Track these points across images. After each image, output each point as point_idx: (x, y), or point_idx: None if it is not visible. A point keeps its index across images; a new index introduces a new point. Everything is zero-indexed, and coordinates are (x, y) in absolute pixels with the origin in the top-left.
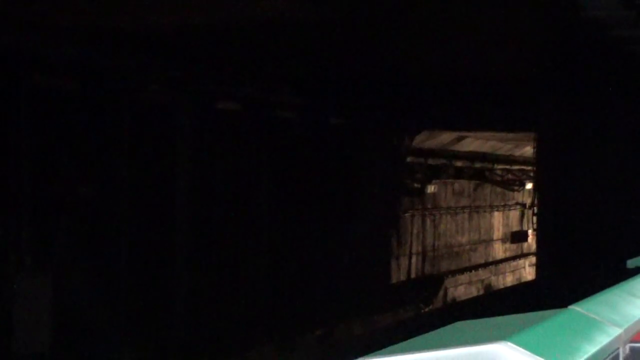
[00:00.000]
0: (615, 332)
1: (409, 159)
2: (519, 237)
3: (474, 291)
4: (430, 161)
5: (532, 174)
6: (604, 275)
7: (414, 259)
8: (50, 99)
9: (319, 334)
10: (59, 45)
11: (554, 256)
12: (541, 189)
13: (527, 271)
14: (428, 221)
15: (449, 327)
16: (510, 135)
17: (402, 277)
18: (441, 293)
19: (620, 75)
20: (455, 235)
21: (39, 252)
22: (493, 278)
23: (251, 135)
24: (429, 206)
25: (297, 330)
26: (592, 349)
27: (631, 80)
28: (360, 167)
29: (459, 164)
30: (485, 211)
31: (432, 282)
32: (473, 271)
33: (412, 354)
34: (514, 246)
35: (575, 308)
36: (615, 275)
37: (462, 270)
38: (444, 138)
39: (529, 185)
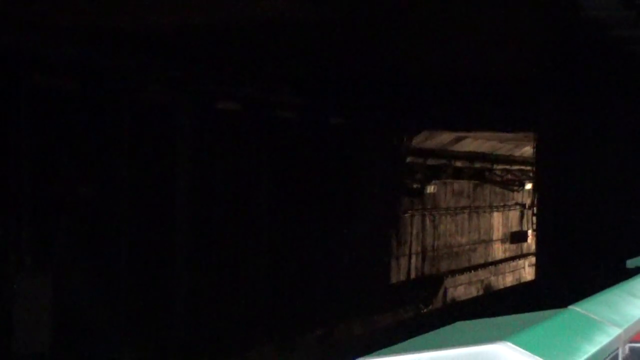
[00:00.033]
0: (615, 332)
1: (408, 159)
2: (518, 237)
3: (473, 291)
4: (430, 161)
5: (532, 174)
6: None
7: (413, 259)
8: (50, 99)
9: (319, 334)
10: (59, 45)
11: (554, 256)
12: (541, 189)
13: (527, 271)
14: (428, 221)
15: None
16: (510, 135)
17: (402, 277)
18: (441, 293)
19: (620, 75)
20: (455, 236)
21: (39, 252)
22: (493, 278)
23: (251, 135)
24: (429, 206)
25: (297, 330)
26: (591, 349)
27: (631, 80)
28: (360, 167)
29: (458, 164)
30: (485, 211)
31: (431, 282)
32: (473, 271)
33: (412, 354)
34: (513, 246)
35: (575, 308)
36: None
37: (461, 271)
38: (444, 138)
39: (529, 186)
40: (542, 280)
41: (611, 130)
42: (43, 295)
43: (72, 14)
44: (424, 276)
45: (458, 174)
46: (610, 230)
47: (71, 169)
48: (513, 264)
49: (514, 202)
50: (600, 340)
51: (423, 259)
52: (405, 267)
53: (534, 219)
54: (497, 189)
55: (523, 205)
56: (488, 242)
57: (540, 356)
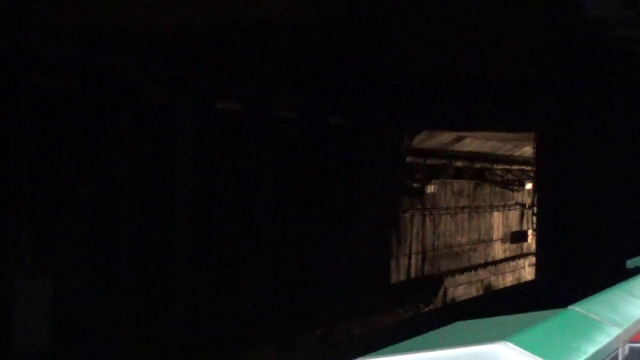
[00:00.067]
0: (615, 332)
1: (408, 159)
2: (518, 237)
3: (473, 291)
4: (430, 161)
5: (532, 174)
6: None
7: (413, 259)
8: (50, 99)
9: (319, 334)
10: (59, 45)
11: (554, 256)
12: (541, 189)
13: (527, 271)
14: (428, 221)
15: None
16: (510, 135)
17: (402, 277)
18: (441, 293)
19: (620, 75)
20: (455, 235)
21: (39, 252)
22: (493, 278)
23: (251, 135)
24: (429, 206)
25: (297, 330)
26: (591, 349)
27: (631, 80)
28: (360, 167)
29: (458, 164)
30: (485, 211)
31: (431, 282)
32: (473, 271)
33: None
34: (513, 246)
35: (575, 308)
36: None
37: (461, 270)
38: (444, 138)
39: (529, 185)
40: (542, 280)
41: (611, 130)
42: (43, 295)
43: (72, 14)
44: (424, 276)
45: (458, 174)
46: (610, 230)
47: (71, 169)
48: (513, 263)
49: (514, 202)
50: (600, 340)
51: (423, 259)
52: (405, 267)
53: (534, 218)
54: (497, 189)
55: (523, 205)
56: (488, 241)
57: (540, 356)
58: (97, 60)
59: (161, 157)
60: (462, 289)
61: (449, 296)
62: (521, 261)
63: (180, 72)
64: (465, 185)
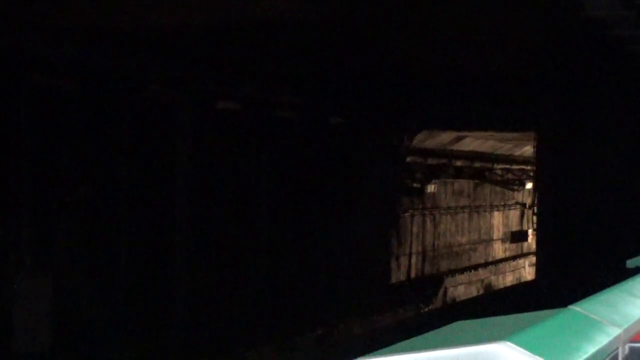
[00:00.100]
0: (615, 332)
1: (408, 159)
2: (518, 236)
3: (473, 291)
4: (430, 161)
5: (532, 174)
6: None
7: (413, 259)
8: (50, 99)
9: (319, 334)
10: (59, 45)
11: (554, 256)
12: (541, 189)
13: (527, 271)
14: (428, 221)
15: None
16: (510, 135)
17: (402, 277)
18: (441, 293)
19: (620, 75)
20: (455, 235)
21: (39, 252)
22: (493, 278)
23: (251, 135)
24: (429, 206)
25: (297, 330)
26: (591, 348)
27: (631, 80)
28: (360, 167)
29: (458, 163)
30: (485, 211)
31: (431, 282)
32: (473, 271)
33: (412, 353)
34: (513, 246)
35: (575, 308)
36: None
37: (461, 270)
38: (444, 138)
39: (529, 185)
40: (542, 280)
41: (611, 130)
42: (43, 295)
43: (72, 14)
44: (424, 276)
45: (458, 174)
46: (610, 230)
47: (71, 169)
48: (513, 263)
49: (514, 201)
50: (600, 340)
51: (423, 259)
52: (405, 267)
53: (534, 218)
54: (497, 189)
55: (523, 205)
56: (488, 241)
57: (540, 356)
58: (97, 60)
59: (161, 157)
60: (462, 288)
61: (449, 296)
62: (521, 261)
63: (180, 72)
64: (465, 185)
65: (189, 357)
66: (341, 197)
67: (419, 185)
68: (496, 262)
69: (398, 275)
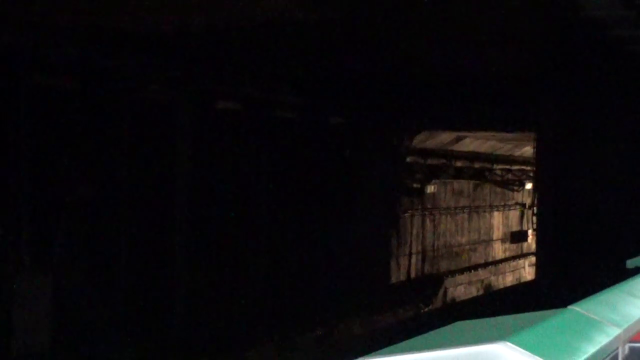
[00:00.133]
0: (615, 332)
1: (408, 159)
2: (518, 237)
3: (473, 291)
4: (430, 161)
5: (532, 174)
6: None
7: (413, 259)
8: (50, 98)
9: (319, 334)
10: (59, 45)
11: (554, 256)
12: (541, 189)
13: (527, 271)
14: (428, 221)
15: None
16: (510, 135)
17: (402, 277)
18: (441, 293)
19: (620, 75)
20: (455, 235)
21: (38, 252)
22: (493, 278)
23: (251, 135)
24: (429, 206)
25: (297, 330)
26: (591, 348)
27: (631, 80)
28: (360, 167)
29: (458, 163)
30: (485, 211)
31: (431, 282)
32: (473, 271)
33: (412, 354)
34: (513, 246)
35: (575, 308)
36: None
37: (461, 270)
38: (444, 138)
39: (529, 185)
40: (542, 280)
41: (611, 130)
42: (43, 295)
43: (72, 14)
44: (424, 276)
45: (458, 174)
46: (610, 230)
47: (71, 169)
48: (513, 263)
49: (514, 201)
50: (600, 340)
51: (423, 259)
52: (405, 267)
53: (534, 218)
54: (497, 189)
55: (523, 205)
56: (488, 241)
57: (540, 356)
58: (97, 60)
59: (161, 156)
60: (462, 289)
61: (449, 296)
62: (521, 261)
63: (180, 71)
64: (465, 185)
65: (189, 357)
66: (341, 197)
67: (419, 186)
68: (496, 262)
69: (398, 276)
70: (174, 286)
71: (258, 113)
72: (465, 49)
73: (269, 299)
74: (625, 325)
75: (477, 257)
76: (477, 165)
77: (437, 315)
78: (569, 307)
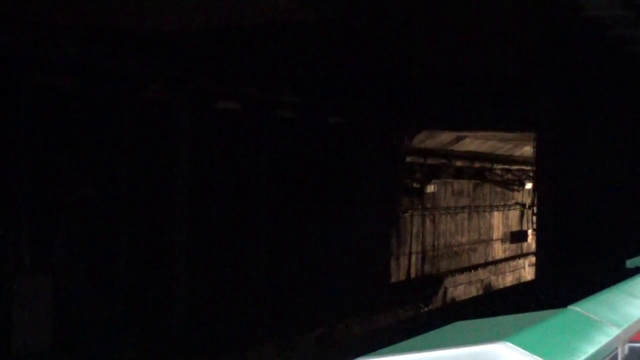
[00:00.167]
0: (614, 332)
1: (408, 159)
2: (518, 237)
3: (473, 291)
4: (430, 161)
5: (532, 174)
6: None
7: (413, 259)
8: (50, 98)
9: (319, 334)
10: (59, 45)
11: (554, 256)
12: (541, 189)
13: (527, 271)
14: (427, 221)
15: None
16: (510, 135)
17: (402, 277)
18: (441, 293)
19: (620, 75)
20: (455, 235)
21: (38, 252)
22: (493, 278)
23: (251, 135)
24: (429, 206)
25: (297, 330)
26: (591, 349)
27: (631, 80)
28: (360, 166)
29: (458, 163)
30: (484, 211)
31: (431, 282)
32: (472, 271)
33: (412, 353)
34: (513, 246)
35: (575, 308)
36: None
37: (461, 270)
38: (444, 138)
39: (529, 185)
40: (542, 280)
41: (611, 130)
42: (43, 295)
43: (72, 14)
44: (423, 276)
45: (458, 174)
46: (610, 230)
47: (71, 169)
48: (513, 263)
49: (514, 201)
50: (600, 340)
51: (423, 259)
52: (405, 267)
53: (534, 218)
54: (497, 189)
55: (523, 205)
56: (488, 241)
57: (539, 356)
58: (97, 60)
59: (161, 157)
60: (461, 288)
61: (449, 296)
62: (521, 261)
63: (180, 71)
64: (465, 185)
65: (189, 357)
66: (341, 197)
67: (418, 185)
68: (496, 262)
69: (398, 275)
70: (174, 286)
71: (258, 113)
72: (465, 49)
73: (269, 299)
74: (625, 326)
75: (477, 257)
76: (477, 165)
77: (437, 315)
78: (569, 307)
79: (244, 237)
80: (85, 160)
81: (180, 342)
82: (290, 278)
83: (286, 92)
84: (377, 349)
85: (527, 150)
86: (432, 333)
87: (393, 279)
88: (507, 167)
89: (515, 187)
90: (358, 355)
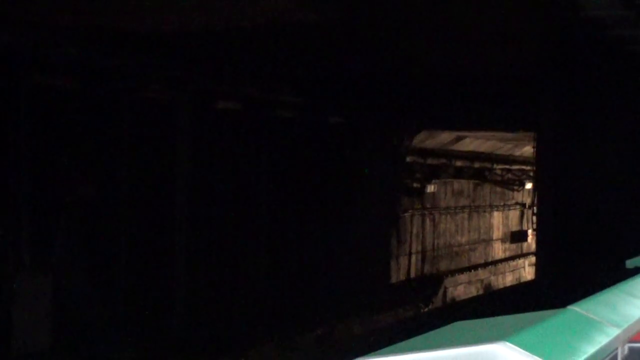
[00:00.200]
0: (614, 332)
1: (408, 159)
2: (518, 236)
3: (473, 291)
4: (430, 161)
5: (532, 174)
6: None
7: (413, 259)
8: (50, 98)
9: (319, 334)
10: (59, 45)
11: (554, 256)
12: (541, 189)
13: (527, 271)
14: (428, 221)
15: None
16: (510, 135)
17: (402, 277)
18: (441, 293)
19: (620, 75)
20: (455, 235)
21: (38, 252)
22: (493, 278)
23: (251, 135)
24: (429, 206)
25: (297, 330)
26: (591, 349)
27: (631, 80)
28: (360, 166)
29: (458, 163)
30: (484, 211)
31: (431, 282)
32: (472, 271)
33: (412, 353)
34: (513, 246)
35: (574, 308)
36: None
37: (461, 270)
38: (444, 138)
39: (529, 185)
40: (542, 280)
41: (611, 130)
42: (43, 295)
43: (72, 14)
44: (423, 276)
45: (458, 174)
46: (610, 230)
47: (71, 169)
48: (513, 263)
49: (514, 201)
50: (600, 340)
51: (423, 259)
52: (405, 267)
53: (534, 218)
54: (497, 189)
55: (523, 205)
56: (488, 241)
57: (539, 356)
58: (97, 59)
59: (161, 157)
60: (461, 288)
61: (449, 296)
62: (521, 261)
63: (180, 71)
64: (465, 185)
65: (189, 357)
66: (341, 197)
67: (418, 185)
68: (496, 262)
69: (398, 275)
70: (174, 286)
71: (258, 113)
72: (465, 49)
73: (269, 299)
74: (625, 326)
75: (477, 257)
76: (477, 165)
77: (437, 315)
78: (569, 307)
79: (244, 237)
80: (85, 160)
81: (181, 342)
82: (290, 278)
83: (286, 92)
84: (377, 349)
85: (527, 150)
86: (432, 333)
87: (393, 279)
88: (507, 167)
89: (515, 187)
90: (358, 355)
